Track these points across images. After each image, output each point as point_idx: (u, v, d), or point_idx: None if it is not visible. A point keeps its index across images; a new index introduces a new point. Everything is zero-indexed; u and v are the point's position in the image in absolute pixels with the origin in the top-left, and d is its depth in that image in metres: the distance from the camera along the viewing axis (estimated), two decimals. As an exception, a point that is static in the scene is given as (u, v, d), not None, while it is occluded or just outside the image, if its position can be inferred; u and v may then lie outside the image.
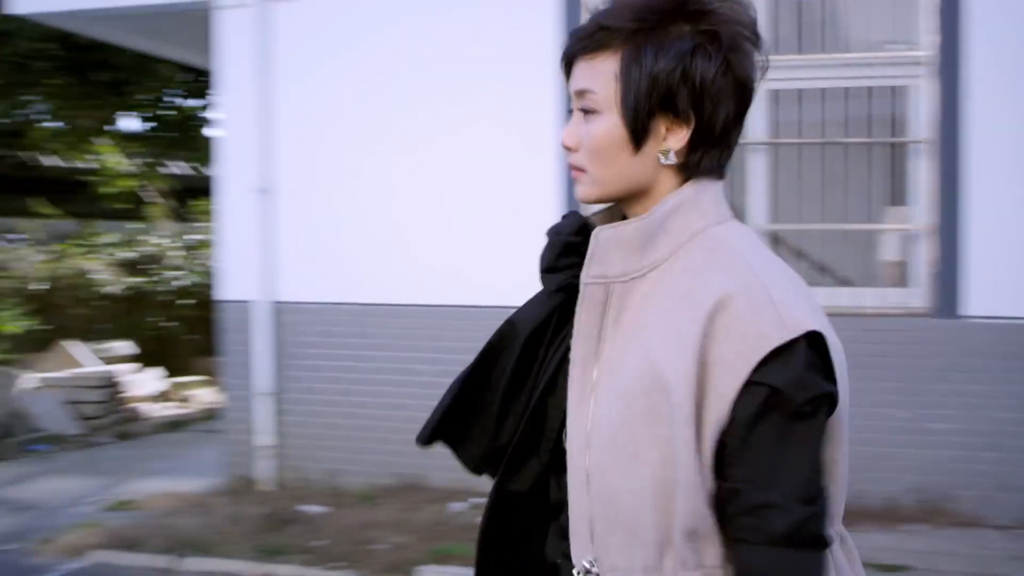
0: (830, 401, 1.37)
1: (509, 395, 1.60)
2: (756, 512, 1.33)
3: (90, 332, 11.46)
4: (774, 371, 1.32)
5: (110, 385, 9.95)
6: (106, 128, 11.47)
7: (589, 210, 1.59)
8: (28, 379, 9.75)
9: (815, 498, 1.34)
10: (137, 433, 9.61)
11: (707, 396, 1.35)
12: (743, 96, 1.45)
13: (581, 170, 1.51)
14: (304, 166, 6.96)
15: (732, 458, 1.34)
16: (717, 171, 1.49)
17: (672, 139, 1.45)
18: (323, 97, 6.92)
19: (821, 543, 1.35)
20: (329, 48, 6.91)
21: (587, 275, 1.49)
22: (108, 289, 11.72)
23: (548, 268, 1.60)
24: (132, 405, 10.21)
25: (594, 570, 1.45)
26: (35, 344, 10.77)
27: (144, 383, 10.75)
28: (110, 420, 9.79)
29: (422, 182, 6.72)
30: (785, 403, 1.32)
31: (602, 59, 1.45)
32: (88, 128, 10.81)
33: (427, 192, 6.72)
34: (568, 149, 1.51)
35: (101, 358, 10.82)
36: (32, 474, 7.89)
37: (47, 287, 11.34)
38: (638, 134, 1.44)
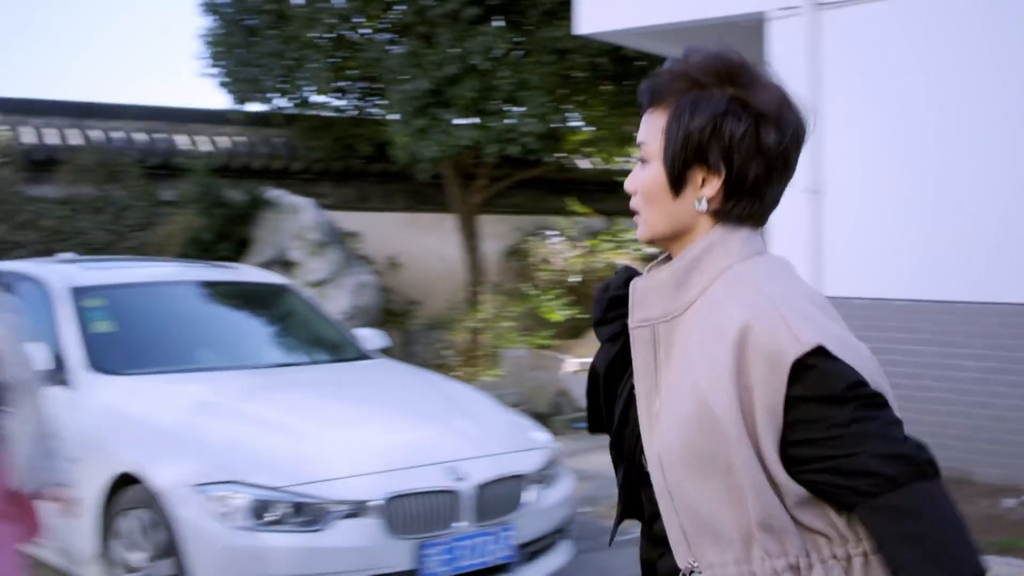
0: (866, 388, 1.53)
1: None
2: (905, 458, 1.51)
3: (617, 322, 12.38)
4: (807, 381, 1.52)
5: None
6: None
7: (642, 267, 1.77)
8: (569, 363, 10.77)
9: (924, 443, 1.55)
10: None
11: (757, 413, 1.54)
12: (773, 157, 1.61)
13: (636, 212, 1.71)
14: (850, 166, 7.13)
15: (830, 455, 1.52)
16: (752, 219, 1.66)
17: (707, 188, 1.63)
18: (870, 97, 7.04)
19: (940, 474, 1.54)
20: (878, 49, 7.02)
21: (633, 321, 1.69)
22: (633, 282, 12.58)
23: (598, 322, 1.80)
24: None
25: (696, 568, 1.63)
26: (572, 331, 11.86)
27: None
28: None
29: (989, 175, 6.65)
30: (834, 399, 1.51)
31: (657, 114, 1.66)
32: (624, 133, 11.68)
33: (997, 185, 6.64)
34: (630, 193, 1.72)
35: (625, 346, 11.65)
36: (585, 448, 8.75)
37: (580, 279, 12.41)
38: (676, 182, 1.64)
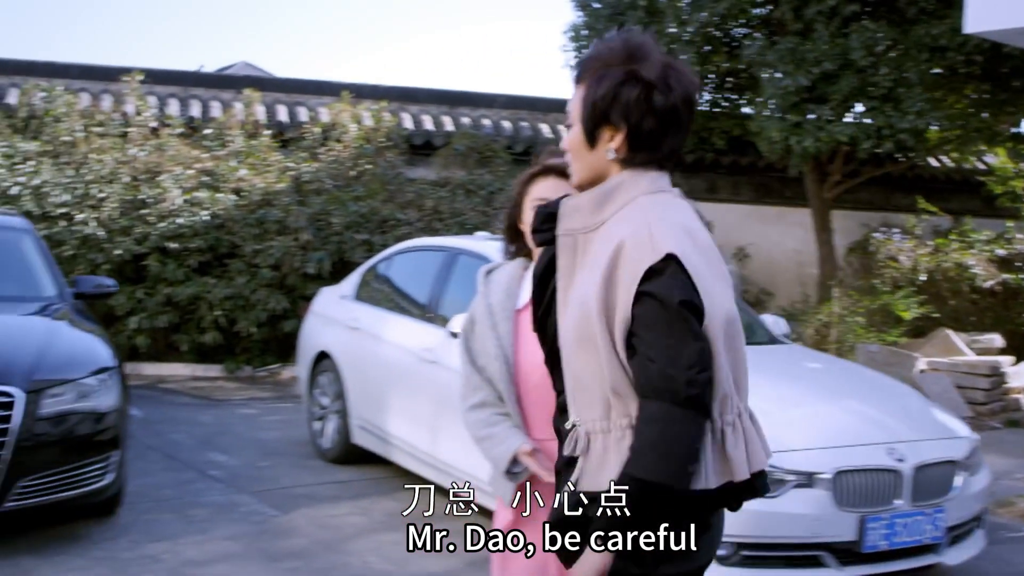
0: (693, 307, 2.00)
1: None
2: (662, 378, 1.99)
3: (965, 323, 12.18)
4: (652, 284, 2.01)
5: (995, 375, 10.52)
6: (1012, 131, 12.04)
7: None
8: (919, 362, 10.72)
9: (699, 375, 1.99)
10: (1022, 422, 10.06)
11: (618, 306, 2.05)
12: (663, 114, 2.13)
13: (570, 164, 2.27)
14: None
15: (641, 344, 2.02)
16: (653, 164, 2.19)
17: (613, 142, 2.17)
18: None
19: (703, 408, 2.02)
20: None
21: (560, 230, 2.23)
22: (982, 283, 12.30)
23: (534, 230, 2.33)
24: (1016, 396, 10.68)
25: (578, 423, 2.16)
26: (920, 330, 11.77)
27: (1020, 375, 11.16)
28: (995, 408, 10.38)
29: None
30: (665, 305, 1.99)
31: (579, 88, 2.22)
32: (986, 132, 11.45)
33: None
34: (564, 151, 2.30)
35: (973, 348, 11.45)
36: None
37: (927, 278, 12.26)
38: (590, 138, 2.20)
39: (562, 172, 2.61)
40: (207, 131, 11.93)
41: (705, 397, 2.03)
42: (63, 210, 10.60)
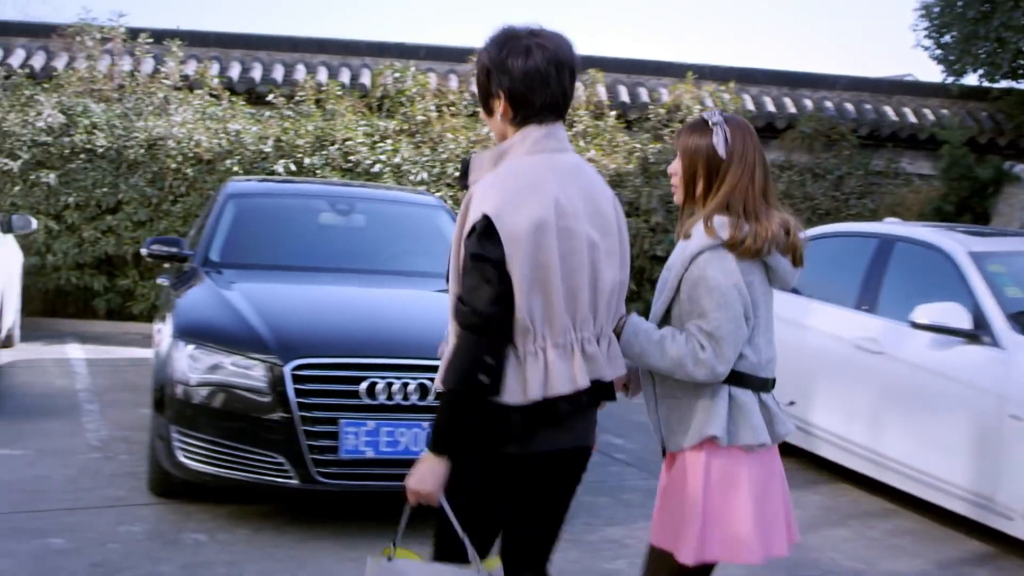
0: (489, 260, 2.49)
1: None
2: (461, 312, 2.53)
3: None
4: (471, 239, 2.52)
5: None
6: None
7: None
8: None
9: (489, 309, 2.49)
10: None
11: (459, 251, 2.58)
12: (530, 78, 2.58)
13: None
14: None
15: (459, 285, 2.57)
16: (535, 119, 2.62)
17: (499, 107, 2.64)
18: None
19: (494, 335, 2.51)
20: None
21: (469, 181, 2.67)
22: None
23: (459, 179, 2.89)
24: None
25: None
26: None
27: None
28: None
29: None
30: (475, 256, 2.51)
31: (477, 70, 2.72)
32: None
33: None
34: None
35: None
36: None
37: None
38: (486, 108, 2.70)
39: None
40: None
41: (494, 326, 2.51)
42: (422, 188, 10.88)
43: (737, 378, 2.83)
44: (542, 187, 2.55)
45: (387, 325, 5.20)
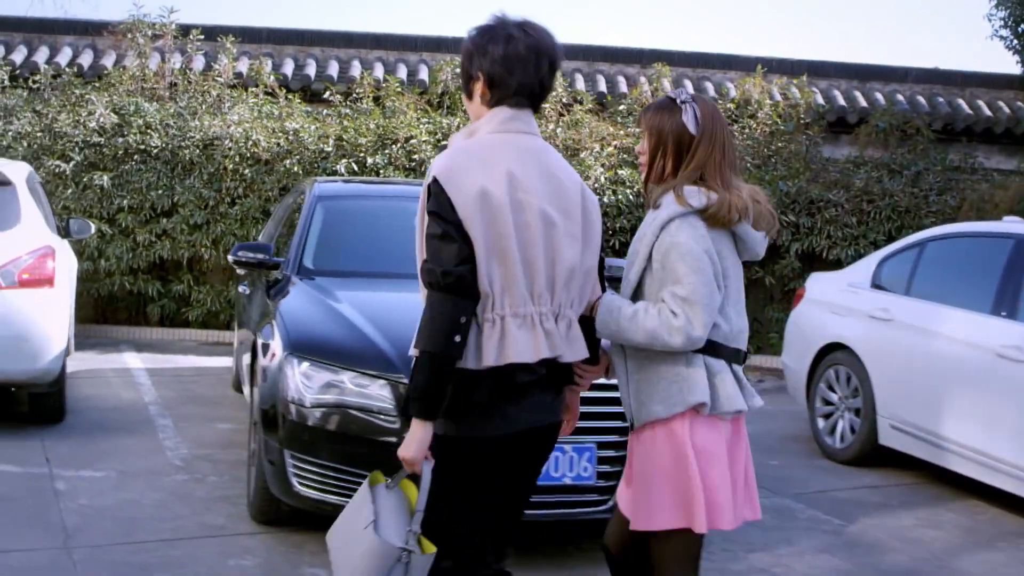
0: (446, 221, 2.60)
1: None
2: (428, 272, 2.61)
3: None
4: (429, 199, 2.66)
5: None
6: None
7: None
8: None
9: (456, 268, 2.57)
10: None
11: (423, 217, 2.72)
12: (509, 63, 2.71)
13: None
14: None
15: (426, 246, 2.66)
16: (508, 100, 2.74)
17: (478, 89, 2.78)
18: None
19: (462, 293, 2.57)
20: None
21: None
22: None
23: None
24: None
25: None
26: None
27: None
28: None
29: None
30: (433, 215, 2.63)
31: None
32: None
33: None
34: None
35: None
36: None
37: None
38: (467, 91, 2.85)
39: None
40: (620, 107, 11.54)
41: (462, 284, 2.57)
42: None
43: (711, 347, 2.87)
44: (495, 160, 2.66)
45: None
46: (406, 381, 4.28)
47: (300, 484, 4.49)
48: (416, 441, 2.61)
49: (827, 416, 7.13)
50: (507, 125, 2.73)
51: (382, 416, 4.37)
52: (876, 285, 7.03)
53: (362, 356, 4.51)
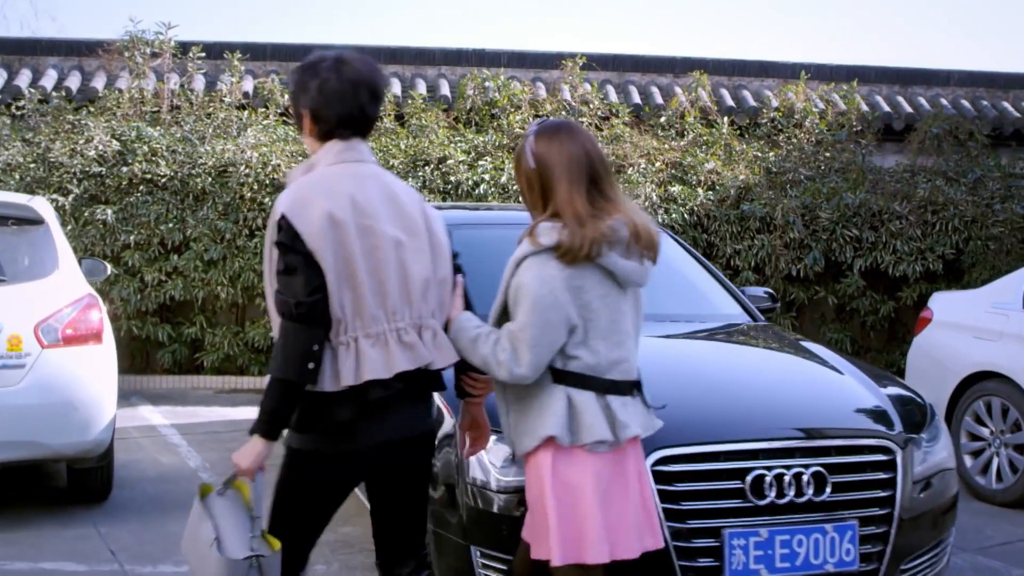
0: (300, 254, 2.73)
1: None
2: (281, 302, 2.74)
3: None
4: (278, 233, 2.77)
5: None
6: None
7: None
8: None
9: (307, 298, 2.70)
10: None
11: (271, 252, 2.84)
12: (326, 97, 2.86)
13: None
14: None
15: (277, 278, 2.79)
16: (332, 134, 2.90)
17: (306, 124, 2.93)
18: None
19: (311, 322, 2.71)
20: None
21: None
22: None
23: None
24: None
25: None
26: None
27: None
28: None
29: None
30: (282, 248, 2.75)
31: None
32: None
33: None
34: None
35: None
36: None
37: None
38: (298, 125, 3.00)
39: None
40: (661, 119, 10.75)
41: (314, 314, 2.72)
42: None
43: (575, 379, 2.88)
44: (336, 190, 2.80)
45: (751, 393, 3.89)
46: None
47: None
48: (255, 455, 2.81)
49: (975, 453, 6.35)
50: (342, 155, 2.89)
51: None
52: (1031, 306, 6.28)
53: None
